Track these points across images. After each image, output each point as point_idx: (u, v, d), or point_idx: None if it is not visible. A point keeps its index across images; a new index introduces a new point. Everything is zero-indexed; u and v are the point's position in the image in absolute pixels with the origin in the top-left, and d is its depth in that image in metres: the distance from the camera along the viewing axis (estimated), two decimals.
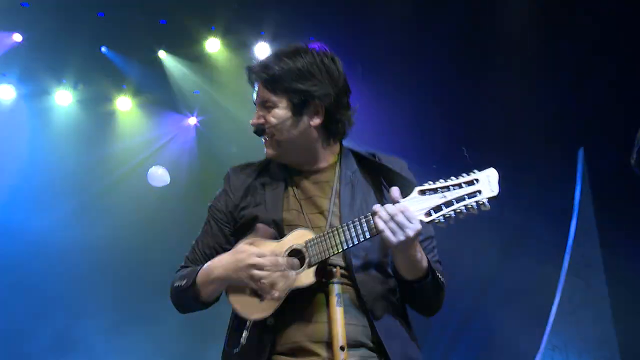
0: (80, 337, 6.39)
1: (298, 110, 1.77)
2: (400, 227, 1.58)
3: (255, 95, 1.84)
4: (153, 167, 6.64)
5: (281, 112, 1.77)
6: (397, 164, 1.87)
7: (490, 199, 1.61)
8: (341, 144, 1.92)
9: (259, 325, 1.72)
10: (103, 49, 6.22)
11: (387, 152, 1.96)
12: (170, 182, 6.62)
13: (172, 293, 1.91)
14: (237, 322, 1.78)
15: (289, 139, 1.79)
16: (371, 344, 1.72)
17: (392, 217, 1.59)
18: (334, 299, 1.67)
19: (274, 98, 1.78)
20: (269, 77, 1.77)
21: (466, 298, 6.01)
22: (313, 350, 1.70)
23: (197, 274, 1.81)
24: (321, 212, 1.79)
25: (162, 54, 6.39)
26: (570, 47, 5.34)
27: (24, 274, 6.32)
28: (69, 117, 6.58)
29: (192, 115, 6.75)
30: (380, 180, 1.86)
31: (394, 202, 1.63)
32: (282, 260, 1.68)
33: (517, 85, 5.51)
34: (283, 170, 1.87)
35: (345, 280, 1.72)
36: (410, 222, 1.58)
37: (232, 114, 6.36)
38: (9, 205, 6.37)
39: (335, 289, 1.69)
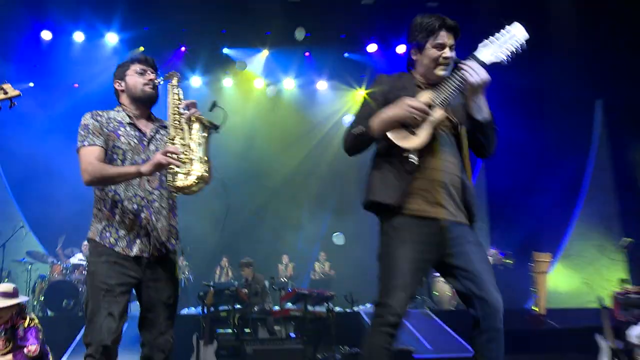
0: None
1: None
2: (475, 70, 2.44)
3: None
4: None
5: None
6: None
7: (524, 41, 2.46)
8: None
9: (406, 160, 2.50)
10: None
11: None
12: None
13: (349, 139, 2.62)
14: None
15: None
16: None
17: (469, 66, 2.46)
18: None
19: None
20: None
21: None
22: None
23: (368, 122, 2.59)
24: None
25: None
26: None
27: None
28: None
29: None
30: None
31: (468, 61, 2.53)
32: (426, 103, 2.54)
33: None
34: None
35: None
36: (479, 69, 2.47)
37: None
38: None
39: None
